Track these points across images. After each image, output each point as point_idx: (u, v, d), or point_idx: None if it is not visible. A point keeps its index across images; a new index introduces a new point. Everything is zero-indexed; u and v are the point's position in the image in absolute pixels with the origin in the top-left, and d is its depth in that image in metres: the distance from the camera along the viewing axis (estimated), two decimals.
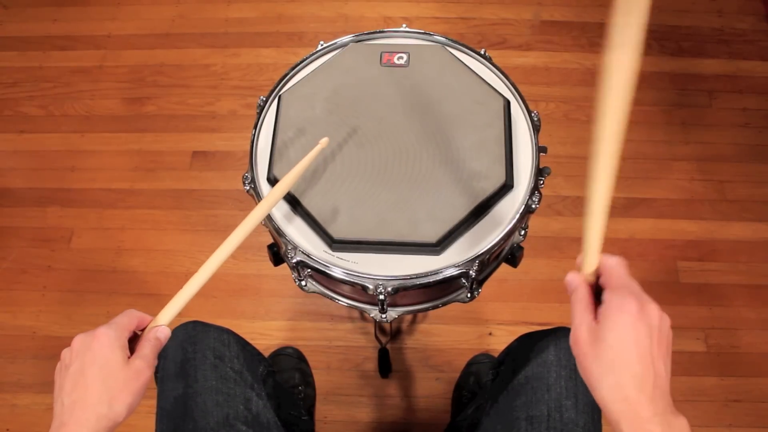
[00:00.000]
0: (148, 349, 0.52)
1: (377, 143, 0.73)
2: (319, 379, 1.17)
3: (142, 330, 0.55)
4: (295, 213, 0.71)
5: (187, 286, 0.56)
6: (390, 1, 1.61)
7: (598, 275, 0.49)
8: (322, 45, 0.82)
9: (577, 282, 0.49)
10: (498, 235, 0.68)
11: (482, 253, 0.67)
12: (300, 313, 1.24)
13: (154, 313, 0.56)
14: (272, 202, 0.64)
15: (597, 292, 0.49)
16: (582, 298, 0.48)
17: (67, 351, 0.52)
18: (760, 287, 1.25)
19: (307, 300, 1.25)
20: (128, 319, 0.53)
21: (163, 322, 0.55)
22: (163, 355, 0.72)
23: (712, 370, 1.17)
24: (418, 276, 0.66)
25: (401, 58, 0.80)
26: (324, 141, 0.69)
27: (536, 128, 0.75)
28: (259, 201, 0.71)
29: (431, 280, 0.66)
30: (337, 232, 0.68)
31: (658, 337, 0.45)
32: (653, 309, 0.46)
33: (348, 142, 0.73)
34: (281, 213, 0.71)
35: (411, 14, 1.59)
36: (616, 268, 0.49)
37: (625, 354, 0.44)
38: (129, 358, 0.51)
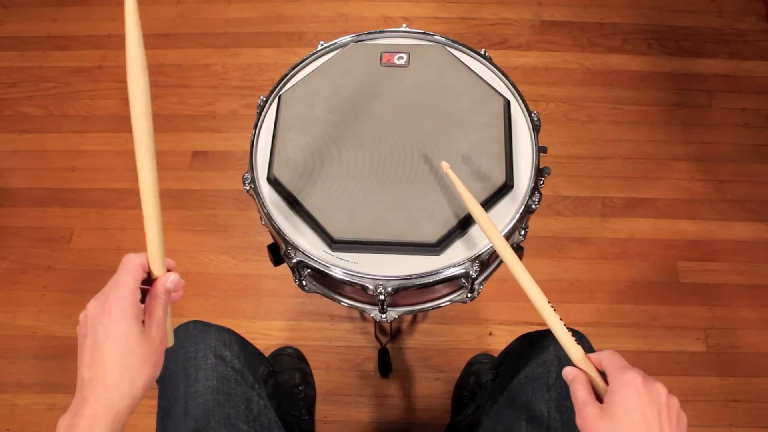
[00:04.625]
0: (160, 311, 0.49)
1: (377, 143, 0.73)
2: (319, 379, 1.17)
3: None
4: (294, 213, 0.71)
5: (150, 220, 0.51)
6: (390, 1, 1.61)
7: (598, 369, 0.52)
8: (322, 45, 0.82)
9: (576, 371, 0.52)
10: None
11: (482, 253, 0.67)
12: (300, 313, 1.24)
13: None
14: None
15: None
16: (582, 380, 0.51)
17: (83, 317, 0.48)
18: (760, 287, 1.25)
19: (307, 300, 1.25)
20: (133, 279, 0.49)
21: (158, 270, 0.51)
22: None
23: (712, 370, 1.18)
24: (418, 276, 0.66)
25: (401, 58, 0.80)
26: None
27: (536, 128, 0.75)
28: (259, 201, 0.71)
29: (431, 280, 0.66)
30: (336, 232, 0.68)
31: (668, 414, 0.46)
32: (660, 387, 0.47)
33: (348, 142, 0.73)
34: (281, 213, 0.71)
35: (411, 14, 1.59)
36: (613, 356, 0.51)
37: (633, 426, 0.45)
38: (143, 323, 0.48)
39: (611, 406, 0.47)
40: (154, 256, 0.51)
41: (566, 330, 0.54)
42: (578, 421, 0.48)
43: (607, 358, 0.51)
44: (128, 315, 0.47)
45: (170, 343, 0.54)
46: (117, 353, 0.46)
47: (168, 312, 0.52)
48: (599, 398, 0.50)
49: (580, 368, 0.52)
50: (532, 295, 0.56)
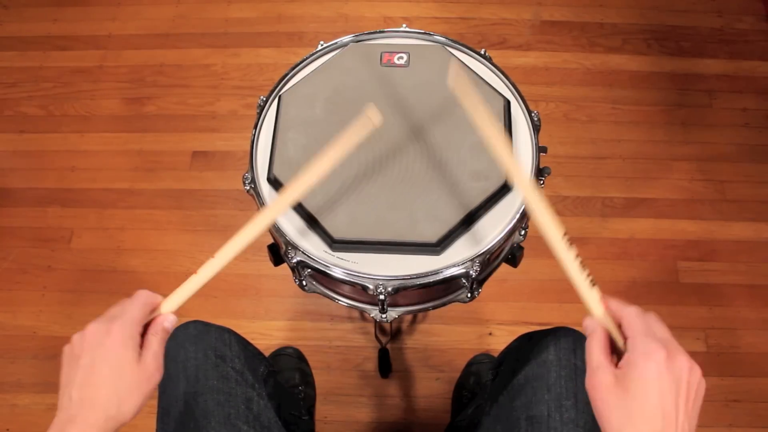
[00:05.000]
0: (156, 345, 0.51)
1: (377, 143, 0.73)
2: (319, 379, 1.17)
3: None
4: (295, 213, 0.71)
5: (200, 272, 0.54)
6: (390, 1, 1.61)
7: (618, 324, 0.48)
8: (322, 45, 0.82)
9: (594, 325, 0.47)
10: (498, 235, 0.68)
11: (482, 253, 0.67)
12: (300, 313, 1.24)
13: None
14: (311, 179, 0.60)
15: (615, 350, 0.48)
16: (599, 340, 0.46)
17: (79, 338, 0.50)
18: (760, 287, 1.25)
19: (307, 300, 1.25)
20: (141, 312, 0.51)
21: (171, 308, 0.54)
22: (164, 354, 0.72)
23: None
24: (418, 276, 0.66)
25: (401, 58, 0.80)
26: (374, 116, 0.61)
27: (536, 128, 0.75)
28: (259, 201, 0.71)
29: (431, 280, 0.66)
30: (337, 232, 0.68)
31: (687, 392, 0.43)
32: (683, 360, 0.43)
33: None
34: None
35: (411, 14, 1.59)
36: (638, 318, 0.46)
37: (648, 407, 0.42)
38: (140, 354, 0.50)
39: (626, 379, 0.43)
40: (178, 299, 0.54)
41: (584, 274, 0.49)
42: (588, 384, 0.45)
43: (632, 318, 0.46)
44: (128, 343, 0.49)
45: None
46: (111, 376, 0.48)
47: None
48: (616, 353, 0.46)
49: (599, 323, 0.47)
50: (547, 231, 0.51)
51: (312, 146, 0.73)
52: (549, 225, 0.50)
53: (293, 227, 0.70)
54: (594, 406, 0.45)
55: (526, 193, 0.53)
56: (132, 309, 0.51)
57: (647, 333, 0.45)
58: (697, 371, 0.44)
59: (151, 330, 0.52)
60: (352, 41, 0.82)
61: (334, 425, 1.14)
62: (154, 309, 0.53)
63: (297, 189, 0.60)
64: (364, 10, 1.60)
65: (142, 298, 0.52)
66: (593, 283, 0.49)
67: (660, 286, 1.25)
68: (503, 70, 0.79)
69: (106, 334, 0.49)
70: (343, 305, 0.77)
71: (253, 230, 0.57)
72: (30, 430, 1.16)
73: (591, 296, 0.49)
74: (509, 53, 1.52)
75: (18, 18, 1.62)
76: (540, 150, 0.74)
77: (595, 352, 0.46)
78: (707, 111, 1.44)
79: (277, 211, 0.59)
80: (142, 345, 0.51)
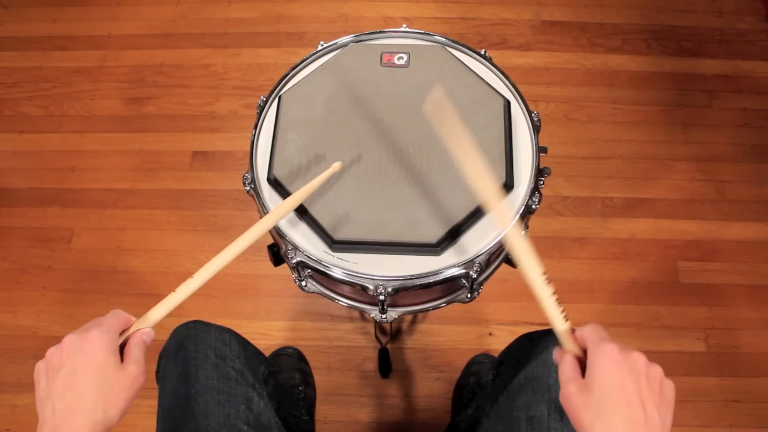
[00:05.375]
0: (138, 354, 0.52)
1: (377, 144, 0.73)
2: (319, 379, 1.17)
3: (124, 330, 0.54)
4: (295, 213, 0.71)
5: (178, 290, 0.55)
6: (390, 1, 1.61)
7: (583, 350, 0.50)
8: (322, 45, 0.82)
9: (562, 353, 0.51)
10: (498, 235, 0.68)
11: (482, 254, 0.67)
12: (300, 313, 1.24)
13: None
14: (276, 219, 0.64)
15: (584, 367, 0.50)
16: (568, 360, 0.50)
17: (56, 351, 0.51)
18: (760, 287, 1.25)
19: (307, 300, 1.25)
20: (117, 321, 0.52)
21: (149, 323, 0.54)
22: (164, 354, 0.72)
23: (712, 370, 1.18)
24: (418, 276, 0.66)
25: (401, 58, 0.80)
26: (336, 165, 0.69)
27: (536, 128, 0.75)
28: (259, 201, 0.71)
29: (431, 281, 0.66)
30: (337, 233, 0.68)
31: (647, 383, 0.46)
32: (637, 356, 0.47)
33: (348, 143, 0.73)
34: None
35: (411, 14, 1.59)
36: (593, 330, 0.50)
37: (611, 398, 0.44)
38: (121, 361, 0.51)
39: (589, 380, 0.46)
40: (155, 316, 0.55)
41: (557, 305, 0.52)
42: (560, 399, 0.48)
43: (587, 333, 0.50)
44: (107, 347, 0.50)
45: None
46: (93, 381, 0.48)
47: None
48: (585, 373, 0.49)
49: (566, 350, 0.51)
50: (524, 263, 0.53)
51: (312, 146, 0.73)
52: (530, 264, 0.52)
53: (293, 227, 0.70)
54: (569, 417, 0.47)
55: (509, 235, 0.54)
56: (107, 319, 0.52)
57: (600, 338, 0.48)
58: (657, 368, 0.47)
59: (132, 341, 0.53)
60: (352, 41, 0.82)
61: (334, 425, 1.15)
62: (128, 326, 0.54)
63: (269, 221, 0.63)
64: (364, 10, 1.60)
65: (118, 313, 0.54)
66: (566, 318, 0.51)
67: (660, 286, 1.25)
68: (503, 70, 0.80)
69: (85, 341, 0.49)
70: (343, 305, 0.77)
71: (226, 256, 0.58)
72: (30, 430, 1.15)
73: (561, 325, 0.51)
74: (509, 53, 1.52)
75: (18, 18, 1.62)
76: (540, 150, 0.74)
77: (565, 370, 0.49)
78: (707, 111, 1.44)
79: (247, 241, 0.60)
80: (122, 356, 0.51)
